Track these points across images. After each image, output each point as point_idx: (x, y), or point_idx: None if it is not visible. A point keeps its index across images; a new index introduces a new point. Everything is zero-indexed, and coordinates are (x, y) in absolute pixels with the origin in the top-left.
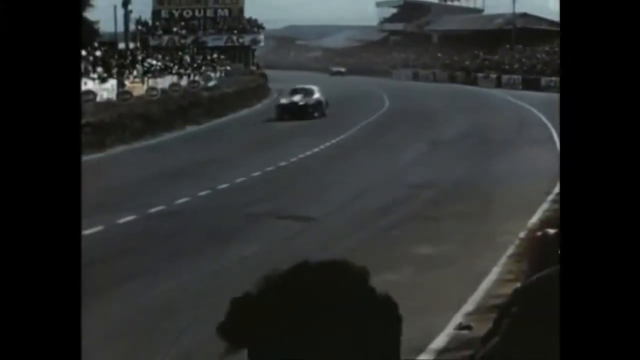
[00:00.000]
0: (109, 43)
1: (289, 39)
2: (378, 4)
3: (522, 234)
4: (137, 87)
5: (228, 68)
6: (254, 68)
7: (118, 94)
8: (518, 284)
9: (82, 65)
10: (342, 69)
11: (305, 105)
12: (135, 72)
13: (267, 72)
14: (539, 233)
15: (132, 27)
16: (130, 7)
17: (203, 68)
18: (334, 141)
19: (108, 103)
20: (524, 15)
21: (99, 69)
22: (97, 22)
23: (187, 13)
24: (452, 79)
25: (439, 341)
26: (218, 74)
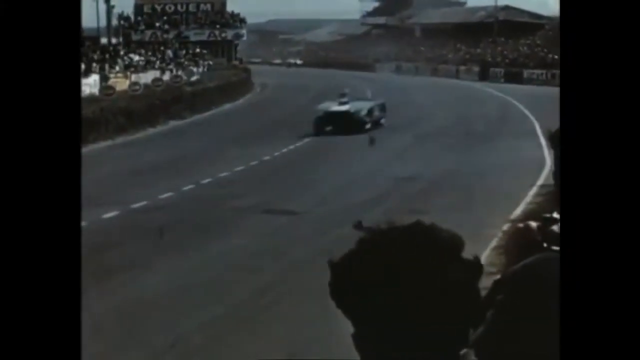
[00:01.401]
0: (92, 38)
1: (271, 33)
2: None
3: (505, 227)
4: (120, 82)
5: (210, 63)
6: (236, 62)
7: (101, 89)
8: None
9: None
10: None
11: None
12: (117, 67)
13: (250, 66)
14: (521, 225)
15: (114, 22)
16: (112, 2)
17: (185, 63)
18: (317, 136)
19: (91, 98)
20: (506, 8)
21: (82, 64)
22: None
23: (170, 8)
24: (435, 72)
25: None
26: (201, 69)
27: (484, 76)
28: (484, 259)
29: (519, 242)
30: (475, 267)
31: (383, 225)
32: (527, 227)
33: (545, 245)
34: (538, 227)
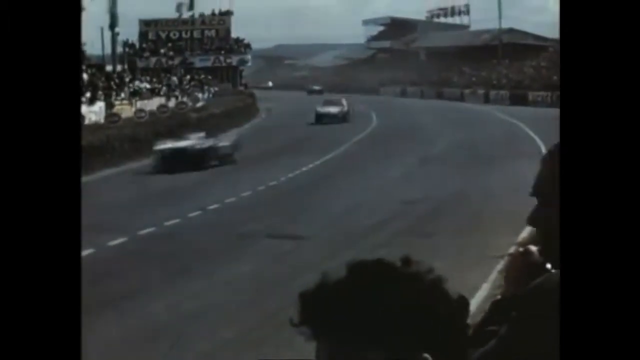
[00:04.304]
0: (97, 65)
1: (276, 58)
2: (365, 22)
3: (511, 249)
4: (125, 109)
5: (216, 88)
6: (241, 88)
7: (106, 117)
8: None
9: None
10: None
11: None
12: (123, 94)
13: (255, 91)
14: (521, 249)
15: (119, 49)
16: (117, 29)
17: (191, 89)
18: (323, 159)
19: (96, 126)
20: (510, 31)
21: (87, 92)
22: (84, 44)
23: (174, 34)
24: (440, 95)
25: None
26: (206, 95)
27: (486, 99)
28: (490, 281)
29: (520, 267)
30: (433, 295)
31: (348, 264)
32: (527, 251)
33: (548, 266)
34: (539, 250)
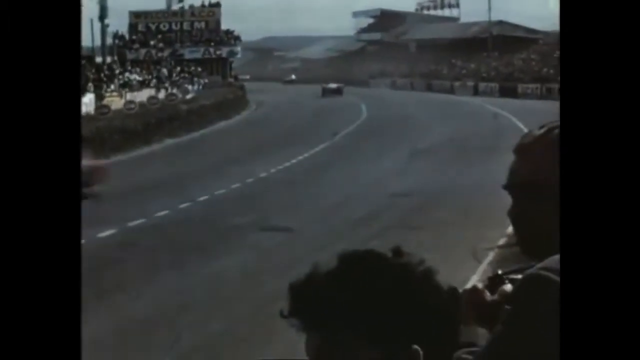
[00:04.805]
0: (86, 57)
1: (266, 50)
2: (355, 14)
3: (501, 241)
4: (115, 100)
5: (206, 80)
6: (231, 80)
7: (96, 108)
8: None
9: None
10: None
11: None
12: (112, 86)
13: (245, 83)
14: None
15: (109, 40)
16: (106, 20)
17: (180, 81)
18: (312, 152)
19: (86, 117)
20: (500, 23)
21: None
22: None
23: (164, 26)
24: (430, 88)
25: None
26: (196, 87)
27: (476, 91)
28: (479, 274)
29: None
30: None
31: (339, 254)
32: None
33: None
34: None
